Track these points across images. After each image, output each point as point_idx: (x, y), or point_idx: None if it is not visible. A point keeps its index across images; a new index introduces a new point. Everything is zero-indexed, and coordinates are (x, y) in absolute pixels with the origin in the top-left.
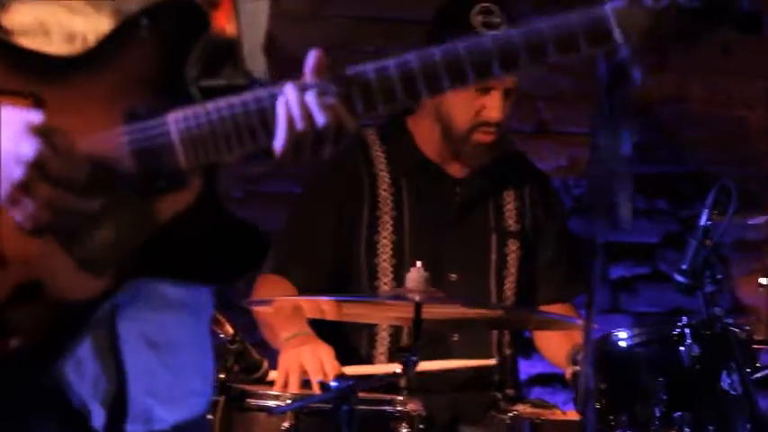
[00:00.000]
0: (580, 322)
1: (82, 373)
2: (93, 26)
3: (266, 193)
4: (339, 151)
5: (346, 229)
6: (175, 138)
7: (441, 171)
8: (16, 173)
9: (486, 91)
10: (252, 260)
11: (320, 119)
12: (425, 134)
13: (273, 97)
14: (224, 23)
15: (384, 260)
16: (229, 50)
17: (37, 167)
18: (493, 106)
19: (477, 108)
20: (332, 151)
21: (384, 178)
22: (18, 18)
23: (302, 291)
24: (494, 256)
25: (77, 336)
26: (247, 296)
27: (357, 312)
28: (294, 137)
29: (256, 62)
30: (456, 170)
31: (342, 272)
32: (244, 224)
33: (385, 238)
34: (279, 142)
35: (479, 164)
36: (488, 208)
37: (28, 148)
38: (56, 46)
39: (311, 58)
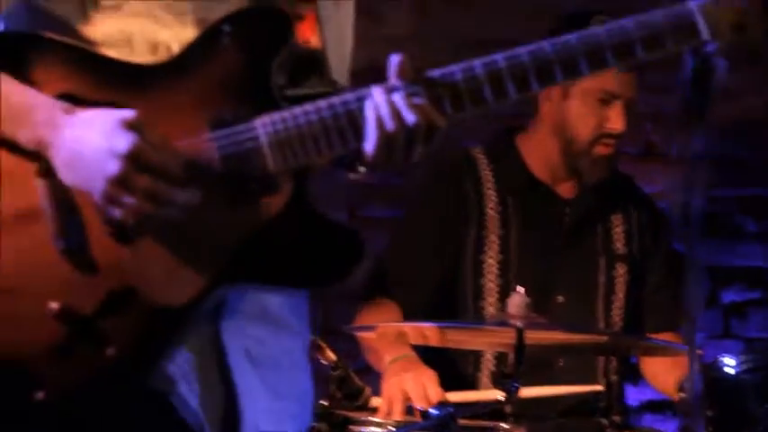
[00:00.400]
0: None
1: (191, 387)
2: (177, 36)
3: (369, 218)
4: (443, 168)
5: (452, 247)
6: (264, 142)
7: (549, 191)
8: (112, 168)
9: (608, 102)
10: (347, 262)
11: (409, 117)
12: (537, 152)
13: (361, 100)
14: (308, 35)
15: (490, 280)
16: (314, 61)
17: (132, 159)
18: (616, 117)
19: (601, 119)
20: (424, 152)
21: (491, 197)
22: (102, 30)
23: (407, 312)
24: (602, 280)
25: (172, 342)
26: (350, 321)
27: (460, 338)
28: (385, 137)
29: (342, 74)
30: (565, 190)
31: (447, 291)
32: (338, 227)
33: (491, 257)
34: (370, 143)
35: (593, 180)
36: (597, 230)
37: (122, 141)
38: (140, 56)
39: (395, 61)
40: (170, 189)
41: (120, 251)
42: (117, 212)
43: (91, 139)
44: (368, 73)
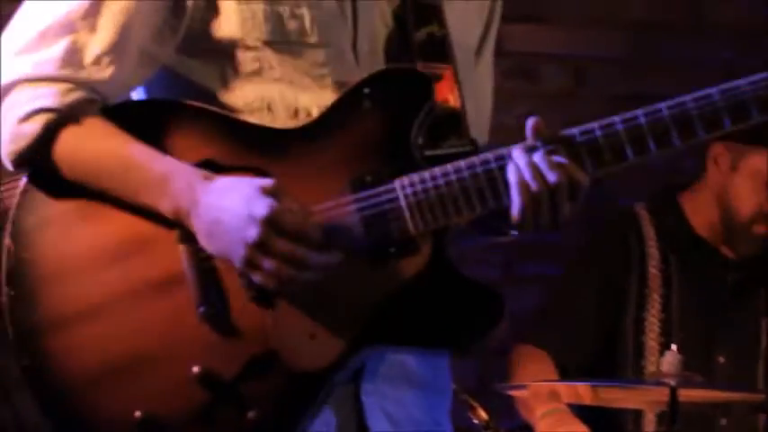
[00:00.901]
0: None
1: None
2: (317, 100)
3: (524, 275)
4: (606, 225)
5: (613, 304)
6: (403, 204)
7: (713, 250)
8: (251, 233)
9: None
10: (487, 322)
11: (551, 177)
12: (700, 212)
13: (500, 159)
14: (447, 94)
15: (651, 339)
16: (453, 121)
17: (271, 224)
18: None
19: (763, 200)
20: (571, 210)
21: (654, 255)
22: (242, 96)
23: (563, 367)
24: (765, 342)
25: (313, 406)
26: (502, 377)
27: (614, 397)
28: (529, 199)
29: (482, 132)
30: (729, 251)
31: (606, 347)
32: (478, 286)
33: (653, 316)
34: (515, 206)
35: (749, 253)
36: (759, 292)
37: (261, 207)
38: (280, 121)
39: (531, 121)
40: (309, 253)
41: (261, 316)
42: (257, 277)
43: (230, 206)
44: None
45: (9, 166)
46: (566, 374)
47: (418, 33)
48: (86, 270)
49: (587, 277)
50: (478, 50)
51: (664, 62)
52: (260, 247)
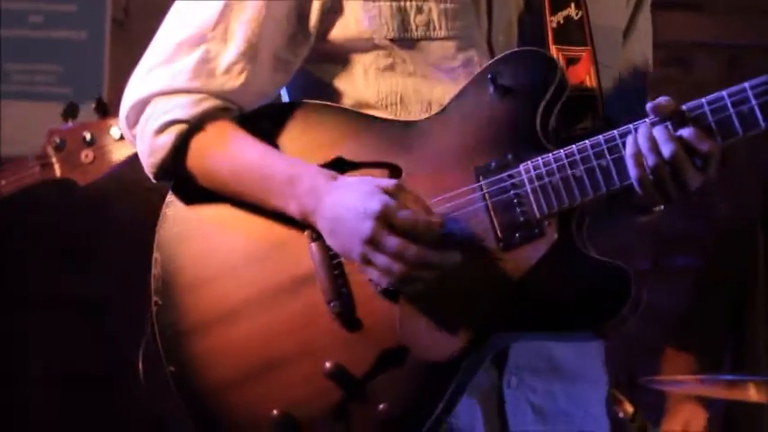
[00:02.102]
0: None
1: None
2: (451, 93)
3: (673, 267)
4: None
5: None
6: (528, 188)
7: None
8: (365, 229)
9: None
10: (616, 300)
11: (666, 148)
12: None
13: (624, 135)
14: (583, 76)
15: None
16: (588, 102)
17: (382, 220)
18: None
19: None
20: (701, 180)
21: None
22: (376, 92)
23: (703, 364)
24: None
25: (447, 396)
26: (651, 373)
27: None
28: (646, 171)
29: (637, 98)
30: None
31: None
32: (605, 265)
33: None
34: (633, 178)
35: None
36: None
37: (374, 203)
38: (414, 115)
39: (658, 100)
40: (422, 250)
41: (389, 310)
42: (373, 273)
43: (348, 203)
44: None
45: (152, 179)
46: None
47: (554, 17)
48: (225, 276)
49: (720, 277)
50: (627, 31)
51: None
52: (371, 242)
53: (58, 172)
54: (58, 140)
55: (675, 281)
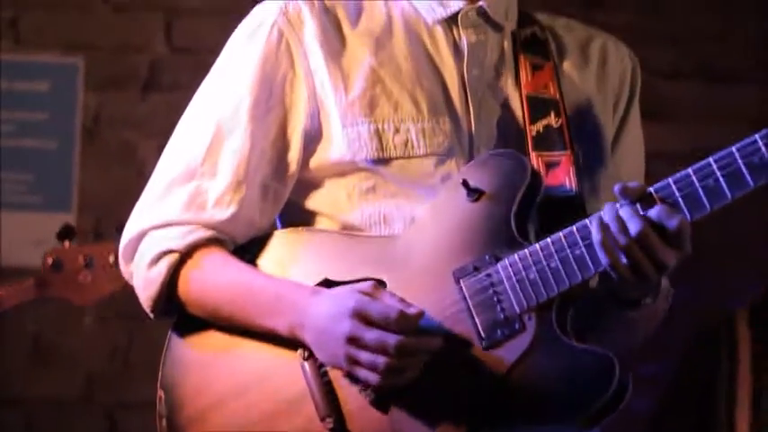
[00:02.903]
0: None
1: None
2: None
3: (642, 376)
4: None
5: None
6: (507, 285)
7: None
8: (344, 328)
9: None
10: (601, 387)
11: (633, 226)
12: None
13: (597, 219)
14: (563, 179)
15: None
16: (569, 204)
17: (359, 315)
18: None
19: None
20: (676, 256)
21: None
22: (360, 214)
23: None
24: None
25: None
26: None
27: None
28: (618, 251)
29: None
30: None
31: None
32: (589, 353)
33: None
34: (605, 262)
35: None
36: None
37: (349, 302)
38: (397, 232)
39: (618, 186)
40: (401, 338)
41: (381, 419)
42: (361, 373)
43: (328, 311)
44: None
45: (150, 315)
46: None
47: (534, 126)
48: (225, 404)
49: (685, 390)
50: (613, 146)
51: None
52: (352, 340)
53: (55, 292)
54: (55, 261)
55: (645, 388)
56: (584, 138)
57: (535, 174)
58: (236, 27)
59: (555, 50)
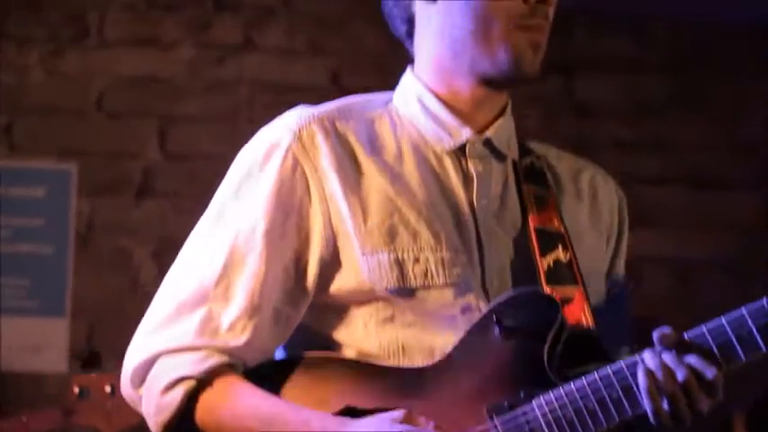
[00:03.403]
0: None
1: None
2: (450, 339)
3: None
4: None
5: None
6: (542, 423)
7: None
8: None
9: None
10: None
11: (680, 374)
12: None
13: (633, 365)
14: (579, 315)
15: None
16: (588, 341)
17: None
18: None
19: None
20: (710, 405)
21: None
22: (378, 342)
23: None
24: None
25: None
26: None
27: None
28: (662, 399)
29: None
30: None
31: None
32: None
33: None
34: (650, 408)
35: None
36: None
37: (391, 428)
38: (417, 363)
39: (657, 333)
40: None
41: None
42: None
43: None
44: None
45: None
46: None
47: (544, 260)
48: None
49: None
50: (608, 272)
51: None
52: None
53: (82, 419)
54: (81, 389)
55: None
56: (585, 273)
57: (563, 314)
58: (228, 135)
59: (551, 180)
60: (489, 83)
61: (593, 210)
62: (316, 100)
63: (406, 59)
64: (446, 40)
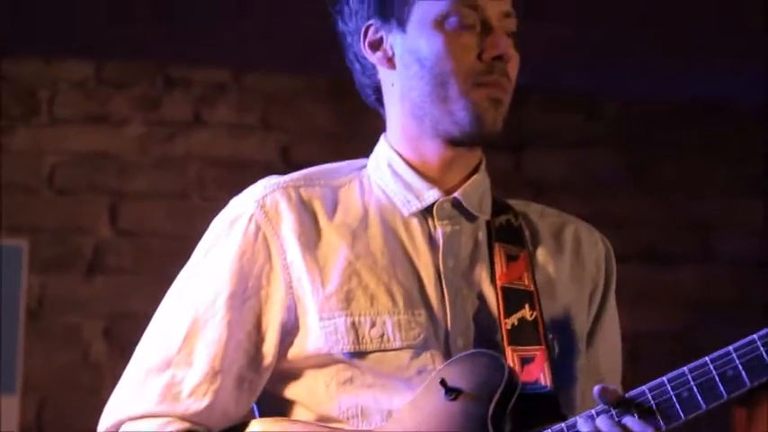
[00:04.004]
0: None
1: None
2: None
3: None
4: None
5: None
6: None
7: None
8: None
9: None
10: None
11: None
12: None
13: (572, 427)
14: (537, 375)
15: None
16: (544, 401)
17: None
18: None
19: None
20: None
21: None
22: (338, 406)
23: None
24: None
25: None
26: None
27: None
28: None
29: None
30: None
31: None
32: None
33: None
34: None
35: None
36: None
37: None
38: (375, 426)
39: (597, 389)
40: None
41: None
42: None
43: None
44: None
45: None
46: None
47: (508, 319)
48: None
49: None
50: (590, 336)
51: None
52: None
53: None
54: None
55: None
56: (558, 329)
57: (512, 374)
58: (179, 211)
59: (529, 238)
60: (454, 143)
61: (576, 262)
62: (265, 176)
63: (355, 135)
64: (407, 104)
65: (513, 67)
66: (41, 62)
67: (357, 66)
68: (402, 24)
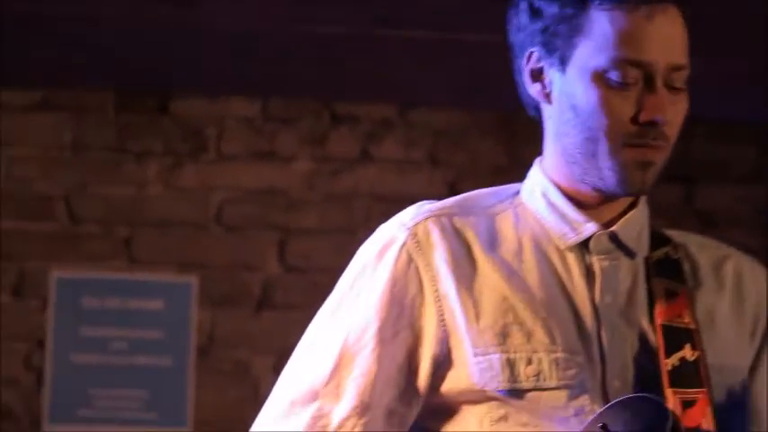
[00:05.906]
0: None
1: None
2: None
3: None
4: None
5: None
6: None
7: None
8: None
9: None
10: None
11: None
12: None
13: None
14: (699, 419)
15: None
16: None
17: None
18: None
19: None
20: None
21: None
22: None
23: None
24: None
25: None
26: None
27: None
28: None
29: None
30: None
31: None
32: None
33: None
34: None
35: None
36: None
37: None
38: None
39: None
40: None
41: None
42: None
43: None
44: None
45: None
46: None
47: (669, 360)
48: None
49: None
50: (752, 369)
51: None
52: None
53: None
54: None
55: None
56: (717, 369)
57: (676, 421)
58: (346, 247)
59: (689, 271)
60: (602, 193)
61: (737, 300)
62: None
63: (523, 169)
64: (559, 146)
65: (672, 128)
66: (208, 100)
67: (521, 80)
68: (563, 64)
